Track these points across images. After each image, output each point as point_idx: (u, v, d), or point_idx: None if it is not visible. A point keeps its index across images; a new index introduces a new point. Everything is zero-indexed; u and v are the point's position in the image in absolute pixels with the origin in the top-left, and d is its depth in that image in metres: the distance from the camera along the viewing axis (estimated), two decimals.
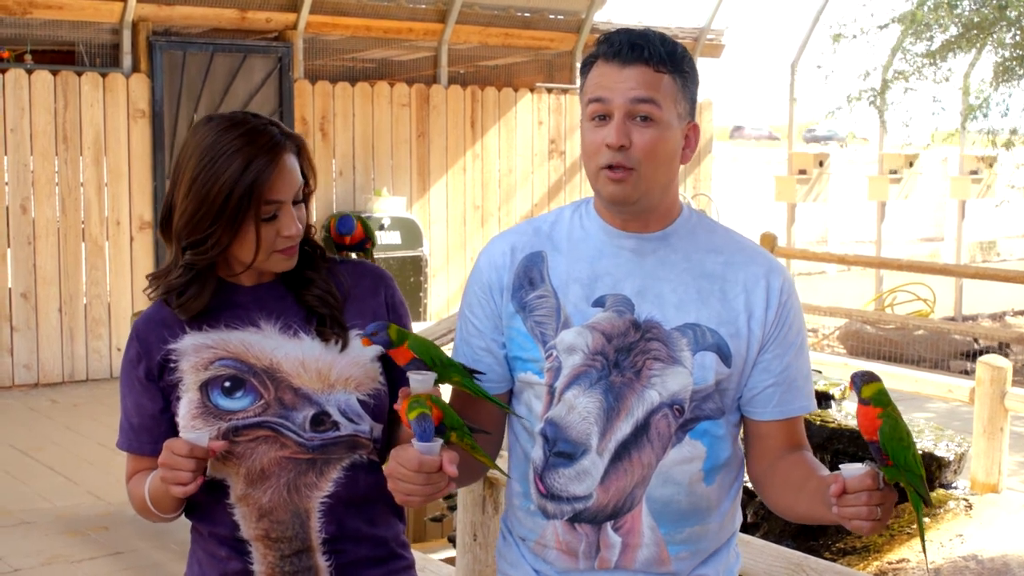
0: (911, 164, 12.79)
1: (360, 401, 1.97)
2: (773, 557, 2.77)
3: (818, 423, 5.87)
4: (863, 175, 14.60)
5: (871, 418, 1.68)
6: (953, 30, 10.67)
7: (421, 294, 10.10)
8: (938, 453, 5.98)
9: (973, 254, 17.65)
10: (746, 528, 2.03)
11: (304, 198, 1.97)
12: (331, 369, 1.96)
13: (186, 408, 1.94)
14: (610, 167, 1.85)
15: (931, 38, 10.90)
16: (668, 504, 1.91)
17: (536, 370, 1.93)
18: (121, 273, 8.93)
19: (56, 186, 8.69)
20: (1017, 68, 10.58)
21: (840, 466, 1.70)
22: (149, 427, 1.99)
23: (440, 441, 1.73)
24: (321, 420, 1.95)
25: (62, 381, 8.70)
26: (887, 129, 12.61)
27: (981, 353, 8.60)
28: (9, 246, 8.54)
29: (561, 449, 1.90)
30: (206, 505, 1.99)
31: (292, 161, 1.93)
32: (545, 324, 1.93)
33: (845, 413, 6.09)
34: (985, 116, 11.40)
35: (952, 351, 10.73)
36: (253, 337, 1.96)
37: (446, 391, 1.94)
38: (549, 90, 11.14)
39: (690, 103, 1.91)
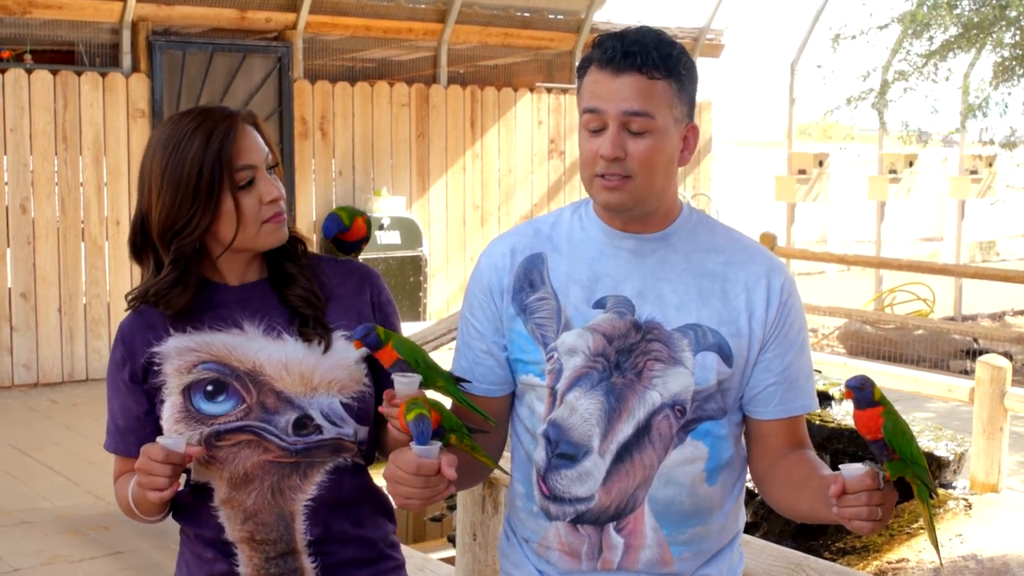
0: (911, 164, 12.79)
1: (343, 404, 1.96)
2: (773, 557, 2.77)
3: (818, 423, 5.88)
4: (863, 175, 14.60)
5: (875, 417, 1.68)
6: (953, 30, 10.67)
7: (421, 294, 10.10)
8: (938, 453, 5.98)
9: (973, 254, 17.66)
10: (746, 528, 2.02)
11: (272, 167, 1.95)
12: (314, 372, 1.95)
13: (169, 412, 1.94)
14: (604, 175, 1.84)
15: (931, 38, 10.90)
16: (670, 505, 1.91)
17: (537, 372, 1.93)
18: (121, 273, 8.93)
19: (56, 186, 8.69)
20: (1017, 68, 10.57)
21: (840, 466, 1.71)
22: (135, 429, 1.98)
23: (438, 444, 1.73)
24: (304, 424, 1.94)
25: (62, 381, 8.70)
26: (887, 129, 12.60)
27: (981, 353, 8.59)
28: (9, 246, 8.54)
29: (563, 451, 1.90)
30: (191, 507, 1.99)
31: (251, 130, 1.94)
32: (546, 326, 1.92)
33: (845, 413, 6.09)
34: (985, 116, 11.40)
35: (952, 351, 10.73)
36: (236, 340, 1.95)
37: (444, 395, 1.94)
38: (549, 90, 11.14)
39: (688, 105, 1.88)
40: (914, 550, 5.42)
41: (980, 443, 6.21)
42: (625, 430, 1.88)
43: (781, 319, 1.92)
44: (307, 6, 9.56)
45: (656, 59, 1.82)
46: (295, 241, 2.02)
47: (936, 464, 5.94)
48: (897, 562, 5.39)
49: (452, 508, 5.20)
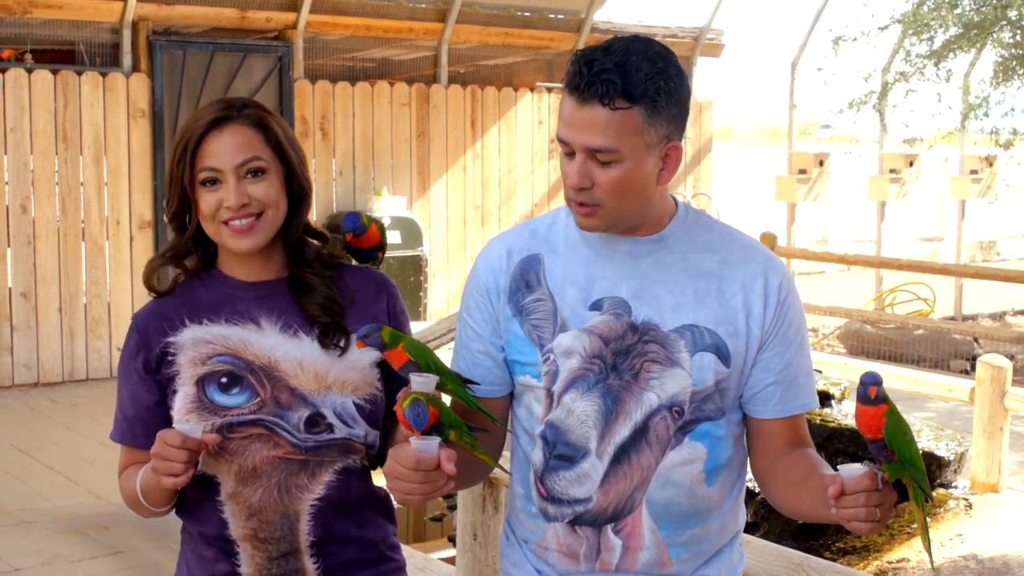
0: (911, 164, 12.79)
1: (356, 405, 1.97)
2: (773, 556, 2.77)
3: (818, 422, 5.87)
4: (863, 175, 14.59)
5: (877, 416, 1.67)
6: (954, 30, 10.66)
7: (421, 294, 10.10)
8: (938, 453, 5.98)
9: (973, 254, 17.65)
10: (746, 527, 2.01)
11: (256, 172, 1.94)
12: (329, 371, 1.96)
13: (181, 402, 1.94)
14: (576, 201, 1.84)
15: (931, 38, 10.89)
16: (668, 506, 1.91)
17: (534, 374, 1.93)
18: (121, 272, 8.92)
19: (56, 186, 8.69)
20: (1017, 67, 10.57)
21: (838, 467, 1.70)
22: (144, 419, 1.99)
23: (437, 439, 1.73)
24: (316, 421, 1.95)
25: (62, 381, 8.70)
26: (888, 130, 12.59)
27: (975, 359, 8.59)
28: (9, 245, 8.54)
29: (561, 452, 1.90)
30: (196, 501, 1.99)
31: (241, 132, 1.94)
32: (542, 328, 1.92)
33: (845, 412, 6.09)
34: (986, 115, 11.39)
35: (952, 351, 10.73)
36: (253, 335, 1.96)
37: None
38: (549, 89, 11.13)
39: (666, 125, 1.80)
40: (914, 550, 5.42)
41: (980, 443, 6.22)
42: (622, 432, 1.88)
43: (779, 318, 1.91)
44: (307, 6, 9.56)
45: (620, 88, 1.75)
46: (309, 246, 2.03)
47: (936, 464, 5.94)
48: (897, 562, 5.39)
49: (452, 508, 5.20)
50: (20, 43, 9.11)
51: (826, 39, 11.53)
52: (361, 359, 1.98)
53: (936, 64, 10.94)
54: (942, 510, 5.79)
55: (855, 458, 5.36)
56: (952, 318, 12.69)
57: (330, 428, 1.95)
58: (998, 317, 13.53)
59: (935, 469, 5.93)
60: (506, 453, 2.08)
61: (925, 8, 10.78)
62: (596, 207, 1.83)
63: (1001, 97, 11.21)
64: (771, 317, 1.90)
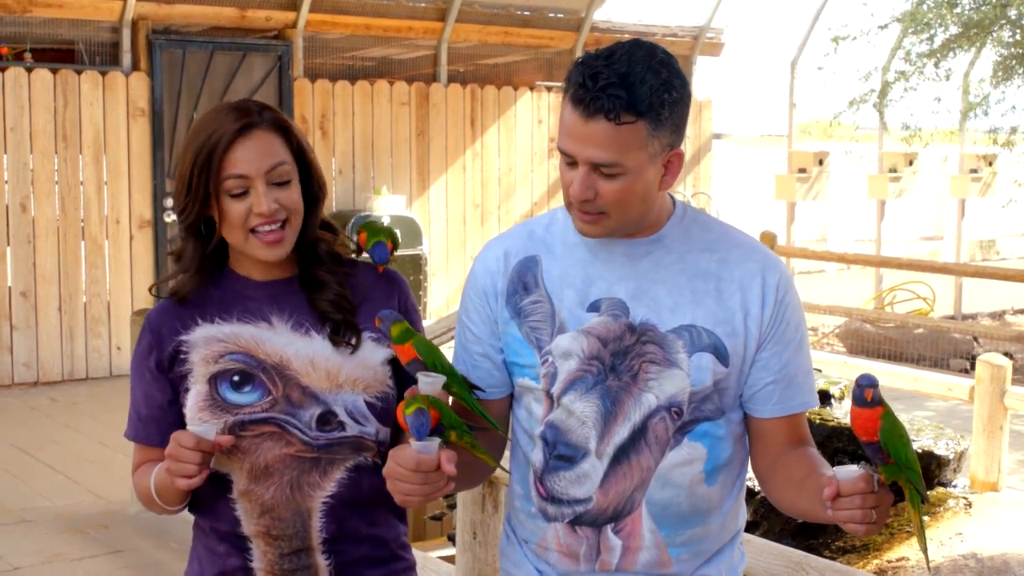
0: (911, 163, 12.79)
1: (367, 403, 1.98)
2: (773, 556, 2.77)
3: (818, 422, 5.87)
4: (863, 173, 14.59)
5: (873, 419, 1.67)
6: (953, 29, 10.66)
7: (421, 292, 10.10)
8: (938, 451, 5.98)
9: (973, 253, 17.65)
10: (747, 526, 2.02)
11: (286, 180, 1.94)
12: (340, 369, 1.97)
13: (194, 400, 1.95)
14: (578, 209, 1.84)
15: (931, 37, 10.89)
16: (668, 507, 1.91)
17: (533, 376, 1.93)
18: (121, 272, 8.92)
19: (56, 185, 8.69)
20: (1017, 66, 10.57)
21: (834, 468, 1.70)
22: (157, 418, 2.00)
23: (437, 440, 1.73)
24: (327, 419, 1.96)
25: (62, 380, 8.70)
26: (888, 129, 12.59)
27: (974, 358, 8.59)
28: (9, 245, 8.54)
29: (561, 452, 1.90)
30: (209, 498, 1.99)
31: (267, 139, 1.94)
32: (540, 329, 1.92)
33: (845, 412, 6.08)
34: (986, 114, 11.39)
35: (952, 350, 10.73)
36: (265, 333, 1.97)
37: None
38: (549, 88, 11.13)
39: (670, 134, 1.80)
40: (914, 549, 5.42)
41: (980, 442, 6.22)
42: (621, 433, 1.88)
43: (777, 317, 1.90)
44: (307, 5, 9.56)
45: (626, 103, 1.74)
46: (321, 243, 2.02)
47: (936, 463, 5.94)
48: (897, 561, 5.39)
49: (452, 507, 5.20)
50: (20, 42, 9.11)
51: (826, 38, 11.53)
52: (372, 357, 1.99)
53: (936, 63, 10.94)
54: (942, 509, 5.79)
55: (855, 457, 5.36)
56: (952, 317, 12.69)
57: (341, 426, 1.96)
58: (998, 316, 13.53)
59: (935, 468, 5.93)
60: (506, 453, 2.08)
61: (925, 7, 10.78)
62: (600, 215, 1.83)
63: (1001, 96, 11.22)
64: (769, 316, 1.90)
